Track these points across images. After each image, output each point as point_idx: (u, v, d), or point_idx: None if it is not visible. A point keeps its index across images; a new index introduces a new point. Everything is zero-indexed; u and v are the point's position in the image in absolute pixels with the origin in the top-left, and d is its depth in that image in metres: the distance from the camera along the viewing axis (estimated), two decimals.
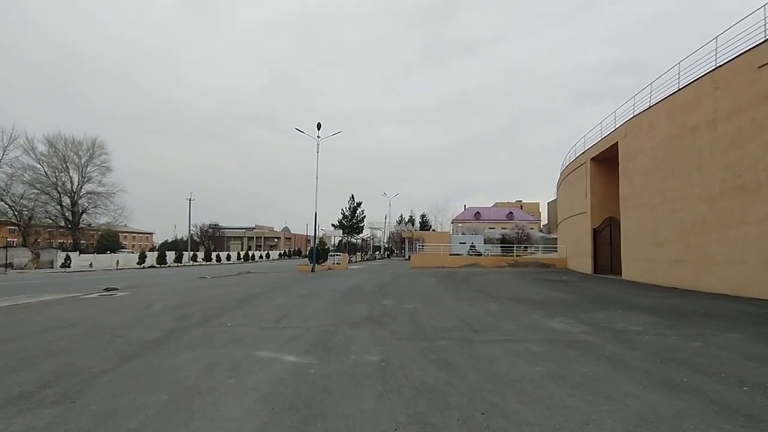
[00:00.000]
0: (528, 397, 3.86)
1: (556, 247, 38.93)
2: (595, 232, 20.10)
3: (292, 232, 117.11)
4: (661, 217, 14.53)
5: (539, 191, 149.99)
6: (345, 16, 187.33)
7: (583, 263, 21.53)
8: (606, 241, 18.96)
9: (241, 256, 56.98)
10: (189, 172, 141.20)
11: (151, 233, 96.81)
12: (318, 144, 26.78)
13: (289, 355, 5.49)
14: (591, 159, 20.22)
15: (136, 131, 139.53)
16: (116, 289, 16.35)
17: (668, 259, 14.08)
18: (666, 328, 7.18)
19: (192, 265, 42.67)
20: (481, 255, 30.61)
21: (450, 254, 33.66)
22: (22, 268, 31.82)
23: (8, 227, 36.94)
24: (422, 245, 43.99)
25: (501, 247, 30.42)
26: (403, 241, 57.35)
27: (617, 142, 17.46)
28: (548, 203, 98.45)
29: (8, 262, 31.29)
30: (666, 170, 14.42)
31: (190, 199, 49.58)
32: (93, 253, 40.38)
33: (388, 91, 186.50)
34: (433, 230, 67.17)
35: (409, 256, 50.13)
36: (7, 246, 33.72)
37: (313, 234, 27.00)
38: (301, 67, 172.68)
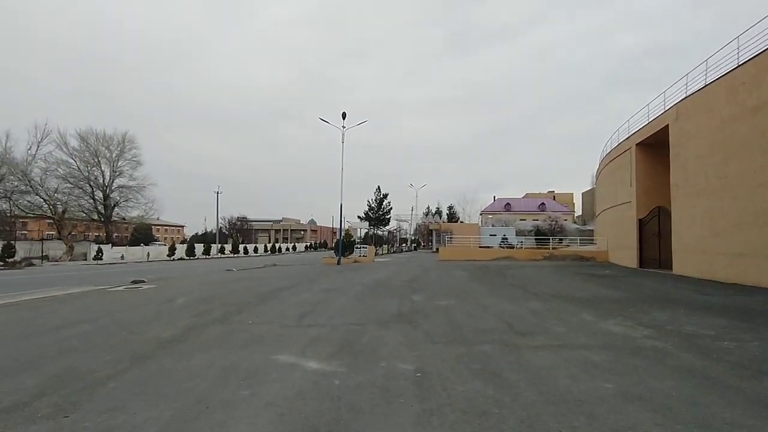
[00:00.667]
0: (604, 426, 3.08)
1: (592, 239, 37.24)
2: (641, 223, 18.72)
3: (318, 224, 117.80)
4: (720, 206, 13.19)
5: (572, 181, 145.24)
6: (369, 6, 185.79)
7: (627, 256, 20.19)
8: (653, 233, 17.60)
9: (268, 249, 57.42)
10: (218, 166, 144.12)
11: (183, 226, 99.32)
12: (343, 134, 26.22)
13: (312, 361, 4.88)
14: (637, 144, 18.79)
15: (168, 128, 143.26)
16: (143, 281, 16.34)
17: (729, 252, 12.76)
18: (743, 333, 6.20)
19: (220, 258, 43.16)
20: (513, 247, 29.44)
21: (479, 247, 32.62)
22: (57, 260, 32.84)
23: (45, 221, 38.14)
24: (450, 237, 43.01)
25: (535, 239, 29.10)
26: (430, 234, 56.38)
27: (667, 125, 16.04)
28: (583, 193, 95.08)
29: (44, 254, 32.34)
30: (725, 155, 13.05)
31: (217, 192, 50.17)
32: (125, 245, 41.43)
33: (413, 83, 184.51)
34: (461, 222, 65.90)
35: (437, 249, 49.25)
36: (43, 239, 34.88)
37: (339, 226, 26.52)
38: (326, 61, 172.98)
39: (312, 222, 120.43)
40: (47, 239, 35.68)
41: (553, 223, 54.28)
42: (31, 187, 33.62)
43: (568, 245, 32.24)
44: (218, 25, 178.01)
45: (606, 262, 23.37)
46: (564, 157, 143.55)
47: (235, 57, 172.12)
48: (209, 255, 43.11)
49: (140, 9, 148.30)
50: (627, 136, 20.37)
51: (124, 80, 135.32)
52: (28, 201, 34.60)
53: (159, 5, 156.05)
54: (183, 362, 4.91)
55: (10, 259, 27.36)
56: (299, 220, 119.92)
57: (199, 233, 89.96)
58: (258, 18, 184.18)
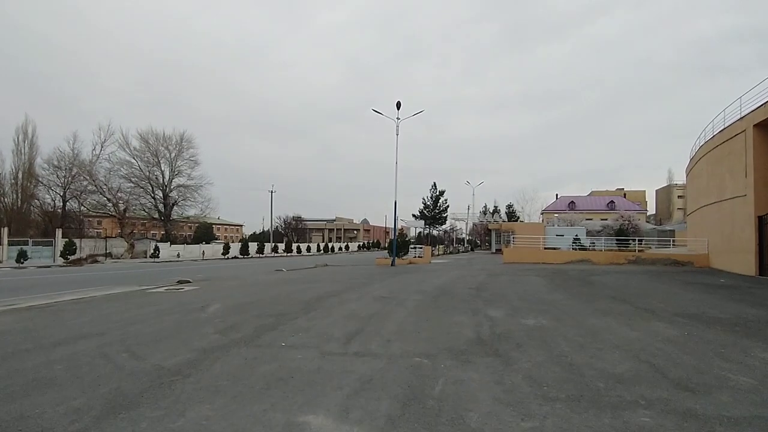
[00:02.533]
0: None
1: (671, 241, 32.80)
2: (761, 222, 15.24)
3: (371, 223, 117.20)
4: None
5: (641, 179, 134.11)
6: (422, 4, 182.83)
7: (739, 261, 16.69)
8: None
9: (321, 248, 56.95)
10: (275, 167, 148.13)
11: (241, 225, 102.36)
12: (397, 125, 24.38)
13: (359, 429, 3.03)
14: (755, 126, 15.33)
15: (227, 130, 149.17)
16: (188, 281, 15.48)
17: None
18: None
19: (273, 257, 42.98)
20: (586, 249, 26.18)
21: (544, 248, 29.57)
22: (118, 258, 33.83)
23: (110, 219, 39.72)
24: (512, 237, 39.94)
25: (616, 240, 25.62)
26: (488, 233, 53.21)
27: None
28: (657, 191, 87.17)
29: (107, 251, 33.44)
30: None
31: (271, 191, 50.32)
32: (184, 243, 42.31)
33: (468, 80, 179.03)
34: (521, 221, 61.97)
35: (497, 250, 46.14)
36: (107, 237, 36.20)
37: (393, 224, 24.74)
38: (380, 61, 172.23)
39: (365, 221, 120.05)
40: (111, 237, 37.06)
41: (626, 222, 49.19)
42: (96, 186, 35.07)
43: (650, 247, 28.28)
44: (276, 30, 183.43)
45: (706, 267, 19.74)
46: (631, 153, 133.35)
47: (292, 61, 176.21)
48: (263, 254, 43.05)
49: (208, 17, 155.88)
50: (739, 116, 16.84)
51: (188, 84, 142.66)
52: (94, 200, 36.17)
53: (218, 14, 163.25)
54: (168, 421, 3.24)
55: (71, 257, 28.24)
56: (352, 220, 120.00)
57: (257, 232, 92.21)
58: (314, 22, 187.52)
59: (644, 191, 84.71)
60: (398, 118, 24.38)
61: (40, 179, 38.20)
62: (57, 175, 37.52)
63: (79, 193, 35.94)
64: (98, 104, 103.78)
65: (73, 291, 12.64)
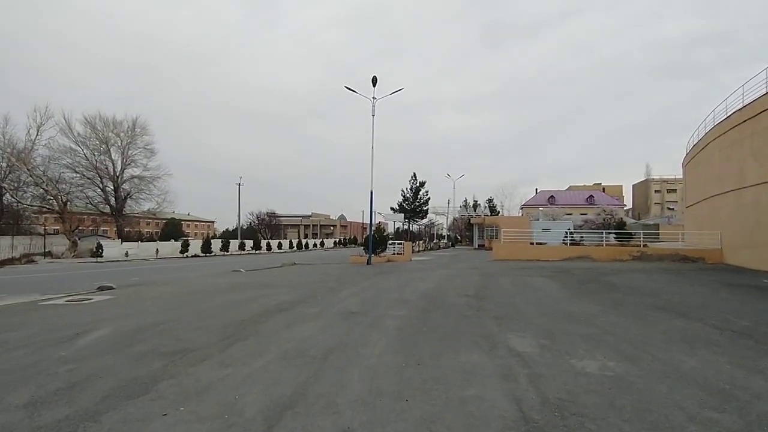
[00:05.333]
0: None
1: (657, 234, 31.08)
2: None
3: (348, 219, 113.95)
4: None
5: (617, 174, 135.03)
6: (399, 3, 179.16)
7: (762, 257, 14.55)
8: None
9: (294, 245, 53.51)
10: (252, 164, 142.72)
11: (212, 222, 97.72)
12: (373, 105, 21.45)
13: None
14: None
15: (202, 129, 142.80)
16: (111, 287, 12.29)
17: None
18: None
19: (239, 254, 39.41)
20: (579, 244, 23.96)
21: (535, 243, 27.30)
22: (58, 257, 29.74)
23: (52, 214, 35.13)
24: (499, 232, 37.63)
25: (616, 234, 23.42)
26: (469, 228, 50.88)
27: None
28: (634, 186, 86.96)
29: (47, 250, 29.24)
30: None
31: (239, 184, 46.52)
32: (139, 241, 38.20)
33: (446, 79, 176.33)
34: (500, 216, 60.04)
35: (480, 245, 43.82)
36: (45, 234, 31.83)
37: (370, 217, 21.85)
38: (358, 60, 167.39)
39: (342, 217, 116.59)
40: (53, 234, 32.75)
41: (608, 216, 47.74)
42: (32, 176, 30.56)
43: (645, 243, 26.23)
44: (252, 29, 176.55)
45: (719, 263, 17.65)
46: (605, 150, 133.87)
47: (268, 59, 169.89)
48: (228, 252, 39.38)
49: (178, 16, 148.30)
50: (765, 91, 14.65)
51: (162, 87, 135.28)
52: (30, 192, 31.71)
53: (197, 11, 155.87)
54: None
55: None
56: (329, 216, 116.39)
57: (230, 228, 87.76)
58: (289, 21, 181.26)
59: (621, 186, 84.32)
60: (374, 98, 21.48)
61: None
62: None
63: (15, 185, 31.45)
64: (59, 100, 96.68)
65: None
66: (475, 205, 60.35)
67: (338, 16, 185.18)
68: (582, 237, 28.16)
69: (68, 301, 9.69)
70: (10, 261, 25.59)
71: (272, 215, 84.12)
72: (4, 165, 31.03)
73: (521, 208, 67.12)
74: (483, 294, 9.50)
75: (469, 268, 17.04)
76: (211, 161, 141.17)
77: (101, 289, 12.28)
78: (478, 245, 43.74)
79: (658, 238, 29.33)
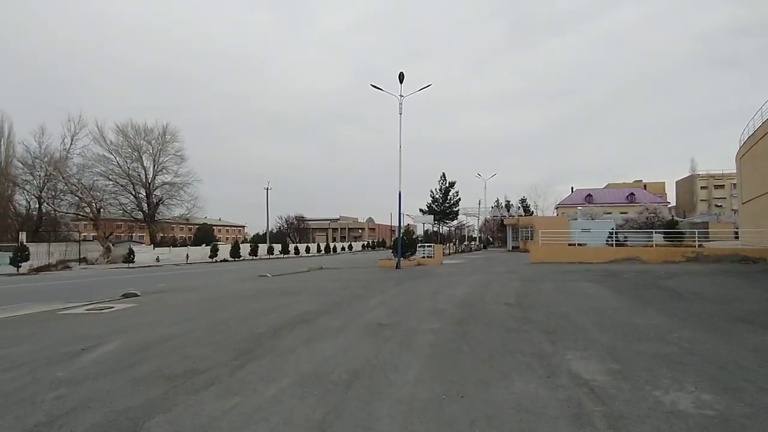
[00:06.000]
0: None
1: (707, 233, 28.82)
2: None
3: (376, 222, 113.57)
4: None
5: (657, 171, 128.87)
6: (425, 5, 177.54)
7: None
8: None
9: (322, 249, 53.32)
10: (280, 169, 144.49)
11: (243, 226, 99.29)
12: (400, 103, 20.72)
13: None
14: None
15: (234, 135, 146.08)
16: (135, 295, 12.08)
17: None
18: None
19: (268, 259, 39.42)
20: (624, 245, 22.35)
21: (575, 244, 25.83)
22: (92, 263, 30.47)
23: (87, 221, 36.14)
24: (533, 233, 36.14)
25: (665, 233, 21.65)
26: (502, 230, 49.23)
27: None
28: (677, 182, 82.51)
29: (81, 256, 30.02)
30: None
31: (267, 188, 46.75)
32: (170, 246, 38.85)
33: (476, 77, 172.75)
34: (535, 216, 57.96)
35: (514, 247, 42.21)
36: (81, 241, 32.74)
37: (398, 219, 21.08)
38: (386, 62, 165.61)
39: (370, 220, 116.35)
40: (88, 241, 33.65)
41: (652, 215, 45.12)
42: (67, 184, 31.54)
43: (700, 243, 24.25)
44: (282, 35, 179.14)
45: None
46: (644, 146, 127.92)
47: (297, 64, 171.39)
48: (256, 256, 39.50)
49: (209, 26, 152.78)
50: None
51: (193, 95, 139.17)
52: (66, 200, 32.76)
53: (228, 21, 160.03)
54: None
55: (23, 263, 24.23)
56: (357, 219, 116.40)
57: (261, 233, 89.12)
58: (319, 26, 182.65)
59: (663, 183, 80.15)
60: (401, 95, 20.74)
61: (15, 180, 34.89)
62: (33, 175, 34.20)
63: (53, 193, 32.56)
64: (92, 110, 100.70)
65: None
66: (508, 206, 58.43)
67: (367, 20, 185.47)
68: (626, 237, 26.43)
69: (89, 309, 9.39)
70: (47, 267, 26.31)
71: (300, 219, 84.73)
72: (42, 174, 32.18)
73: (556, 208, 64.77)
74: (526, 302, 8.54)
75: (505, 272, 15.98)
76: (242, 166, 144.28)
77: (125, 296, 12.07)
78: (512, 247, 42.13)
79: (708, 238, 27.25)
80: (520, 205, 59.48)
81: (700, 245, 19.64)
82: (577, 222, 34.55)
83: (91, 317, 8.42)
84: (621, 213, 54.71)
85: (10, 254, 24.05)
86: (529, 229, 39.12)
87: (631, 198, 63.48)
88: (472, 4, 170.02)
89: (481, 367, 4.36)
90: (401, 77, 19.79)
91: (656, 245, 19.96)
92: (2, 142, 34.85)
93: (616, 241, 22.56)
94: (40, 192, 32.54)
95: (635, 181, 77.73)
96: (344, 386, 3.86)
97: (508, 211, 51.35)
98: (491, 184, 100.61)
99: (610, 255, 19.05)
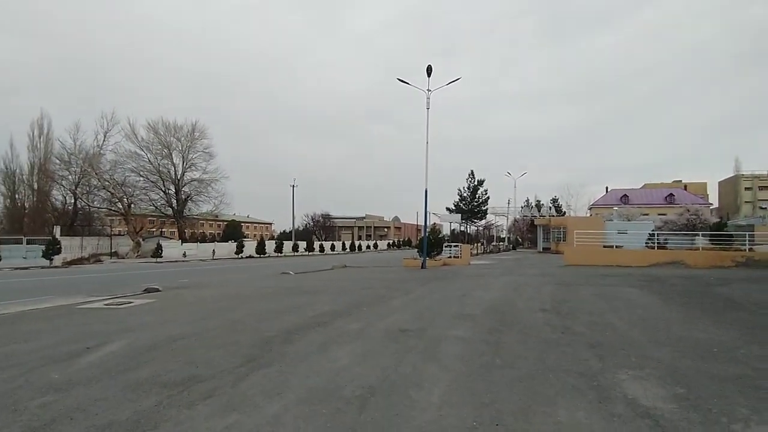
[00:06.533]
0: None
1: (753, 236, 26.75)
2: None
3: (402, 221, 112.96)
4: None
5: (698, 171, 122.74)
6: (456, 2, 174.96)
7: None
8: None
9: (347, 247, 53.15)
10: (308, 166, 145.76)
11: (270, 223, 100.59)
12: (428, 97, 20.05)
13: None
14: None
15: (263, 133, 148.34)
16: (157, 290, 11.96)
17: None
18: None
19: (293, 256, 39.46)
20: (665, 248, 20.97)
21: (613, 246, 24.48)
22: (122, 257, 31.18)
23: (119, 216, 37.12)
24: (561, 234, 34.78)
25: (711, 236, 20.15)
26: (532, 230, 47.68)
27: None
28: (720, 182, 78.19)
29: (113, 250, 30.80)
30: None
31: (293, 186, 46.86)
32: (196, 242, 39.43)
33: (505, 75, 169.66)
34: (568, 216, 55.99)
35: (545, 248, 40.75)
36: (111, 235, 33.63)
37: (424, 217, 20.45)
38: (416, 60, 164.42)
39: (396, 219, 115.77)
40: (119, 235, 34.54)
41: (693, 216, 42.66)
42: (99, 180, 32.46)
43: (750, 247, 22.51)
44: (312, 35, 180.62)
45: None
46: (684, 145, 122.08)
47: (326, 64, 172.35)
48: (281, 253, 39.57)
49: (242, 27, 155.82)
50: None
51: (224, 94, 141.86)
52: (99, 196, 33.74)
53: (261, 22, 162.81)
54: None
55: (55, 257, 25.01)
56: (383, 217, 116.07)
57: (287, 230, 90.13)
58: (349, 26, 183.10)
59: (705, 183, 76.11)
60: (429, 90, 20.06)
61: (53, 176, 36.16)
62: (68, 171, 35.37)
63: (87, 189, 33.59)
64: (126, 109, 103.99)
65: None
66: (539, 205, 56.52)
67: (397, 19, 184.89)
68: (666, 239, 24.87)
69: (107, 304, 9.23)
70: (79, 260, 27.06)
71: (326, 217, 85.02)
72: (78, 170, 33.23)
73: (590, 209, 62.38)
74: (564, 309, 7.79)
75: (538, 274, 15.11)
76: (271, 164, 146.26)
77: (147, 291, 11.96)
78: (543, 248, 40.68)
79: (754, 241, 25.34)
80: (551, 204, 57.56)
81: (750, 249, 18.12)
82: (614, 223, 32.92)
83: (107, 312, 8.22)
84: (659, 215, 52.05)
85: (43, 247, 24.85)
86: (561, 229, 37.61)
87: (670, 199, 60.44)
88: (502, 1, 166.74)
89: (519, 387, 3.74)
90: (429, 70, 19.12)
91: (702, 248, 18.55)
92: (42, 139, 36.24)
93: (658, 243, 21.19)
94: (75, 187, 33.67)
95: (674, 181, 74.09)
96: (357, 406, 3.33)
97: (539, 211, 49.64)
98: (520, 183, 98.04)
99: (650, 258, 17.82)
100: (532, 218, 47.32)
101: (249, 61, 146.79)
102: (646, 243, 21.82)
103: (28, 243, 27.33)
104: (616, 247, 21.11)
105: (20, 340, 5.81)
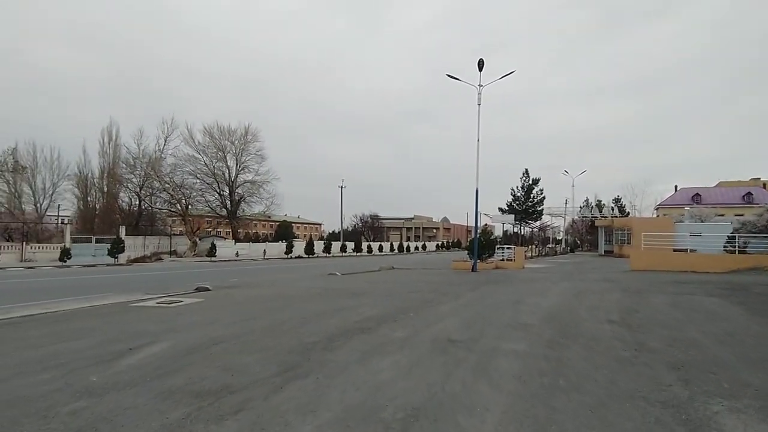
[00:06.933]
0: None
1: None
2: None
3: (451, 222, 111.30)
4: None
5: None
6: None
7: None
8: None
9: (395, 248, 52.87)
10: (355, 168, 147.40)
11: (320, 224, 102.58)
12: (479, 93, 19.26)
13: None
14: None
15: (311, 135, 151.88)
16: (208, 289, 12.22)
17: None
18: None
19: (341, 256, 39.76)
20: (746, 252, 18.80)
21: (686, 250, 22.43)
22: (180, 256, 32.80)
23: (178, 216, 39.20)
24: (626, 236, 32.50)
25: None
26: (592, 232, 44.93)
27: None
28: None
29: (172, 249, 32.53)
30: None
31: (341, 187, 47.33)
32: (249, 242, 40.77)
33: (558, 70, 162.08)
34: (633, 217, 52.36)
35: (607, 252, 38.19)
36: (171, 235, 35.54)
37: (475, 217, 19.67)
38: (462, 58, 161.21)
39: (445, 220, 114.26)
40: (178, 235, 36.47)
41: None
42: (160, 182, 34.49)
43: None
44: (356, 37, 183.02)
45: None
46: (762, 140, 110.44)
47: (371, 65, 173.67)
48: (330, 253, 40.00)
49: (288, 32, 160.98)
50: None
51: (273, 98, 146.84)
52: (161, 197, 35.84)
53: (306, 26, 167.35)
54: None
55: (120, 255, 26.77)
56: (431, 218, 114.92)
57: (336, 231, 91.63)
58: (392, 26, 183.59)
59: None
60: (480, 84, 19.28)
61: (120, 179, 38.84)
62: (133, 174, 37.86)
63: (150, 191, 35.85)
64: (183, 116, 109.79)
65: (42, 303, 9.73)
66: (600, 206, 53.16)
67: (443, 17, 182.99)
68: (746, 243, 22.39)
69: (159, 303, 9.46)
70: (142, 259, 28.81)
71: (375, 218, 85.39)
72: (141, 174, 35.52)
73: (656, 209, 58.09)
74: (635, 321, 6.94)
75: (600, 280, 13.96)
76: (320, 166, 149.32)
77: (198, 290, 12.25)
78: (605, 251, 38.16)
79: None
80: (613, 205, 54.04)
81: None
82: (685, 224, 30.26)
83: (158, 311, 8.37)
84: (736, 215, 47.48)
85: (109, 246, 26.68)
86: (625, 231, 35.07)
87: (748, 198, 54.97)
88: None
89: (589, 417, 3.16)
90: (480, 64, 18.34)
91: None
92: (111, 145, 39.06)
93: (736, 246, 19.05)
94: (140, 189, 36.06)
95: (752, 179, 67.20)
96: (399, 431, 2.91)
97: (600, 211, 46.68)
98: (579, 182, 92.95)
99: (730, 264, 16.00)
100: (593, 219, 44.55)
101: (294, 66, 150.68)
102: (724, 247, 19.70)
103: (96, 242, 29.55)
104: (690, 250, 19.21)
105: (71, 338, 5.93)
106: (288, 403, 3.47)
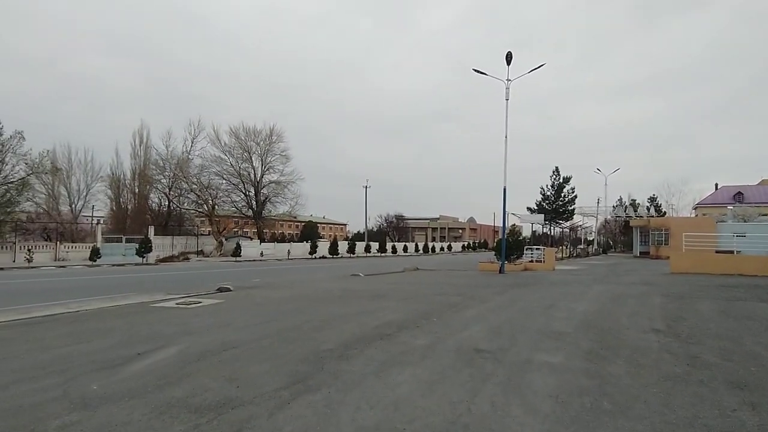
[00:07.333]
0: None
1: None
2: None
3: (477, 222, 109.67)
4: None
5: None
6: None
7: None
8: None
9: (420, 248, 52.25)
10: (380, 168, 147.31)
11: (345, 224, 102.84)
12: (507, 87, 18.57)
13: None
14: None
15: (336, 136, 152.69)
16: (229, 290, 12.12)
17: None
18: None
19: (365, 257, 39.50)
20: None
21: (716, 251, 21.10)
22: (207, 256, 33.29)
23: (205, 216, 39.88)
24: (663, 236, 30.99)
25: None
26: (626, 232, 43.08)
27: None
28: None
29: (199, 249, 33.07)
30: None
31: (366, 187, 47.10)
32: (274, 242, 41.06)
33: (587, 66, 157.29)
34: (670, 217, 49.99)
35: (642, 253, 36.45)
36: (198, 235, 36.15)
37: (503, 217, 18.95)
38: (489, 56, 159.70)
39: (471, 220, 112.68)
40: (205, 235, 37.09)
41: None
42: (188, 183, 35.17)
43: None
44: (381, 37, 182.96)
45: None
46: None
47: (397, 65, 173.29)
48: (354, 254, 39.83)
49: (313, 37, 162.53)
50: None
51: (299, 100, 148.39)
52: (189, 198, 36.54)
53: (332, 28, 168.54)
54: None
55: (147, 255, 27.49)
56: (457, 219, 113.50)
57: (361, 231, 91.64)
58: (416, 26, 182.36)
59: None
60: (508, 79, 18.58)
61: (150, 180, 39.81)
62: (163, 175, 38.74)
63: (178, 192, 36.63)
64: (211, 117, 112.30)
65: (65, 302, 9.78)
66: (634, 205, 50.92)
67: (468, 15, 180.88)
68: None
69: (178, 303, 9.35)
70: (170, 258, 29.38)
71: (400, 218, 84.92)
72: (170, 175, 36.30)
73: (695, 208, 55.37)
74: (682, 329, 6.28)
75: (639, 282, 13.11)
76: (345, 166, 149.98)
77: (219, 290, 12.15)
78: (640, 252, 36.46)
79: None
80: (648, 204, 51.70)
81: None
82: (728, 225, 28.57)
83: (176, 312, 8.22)
84: None
85: (137, 246, 27.30)
86: (662, 231, 33.39)
87: None
88: None
89: None
90: (509, 58, 17.65)
91: None
92: (142, 148, 40.12)
93: None
94: (169, 190, 36.89)
95: None
96: None
97: (635, 210, 44.66)
98: (611, 180, 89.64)
99: None
100: (627, 219, 42.69)
101: (321, 67, 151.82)
102: None
103: (126, 242, 30.35)
104: (737, 252, 17.94)
105: (84, 340, 5.78)
106: (293, 422, 3.10)
